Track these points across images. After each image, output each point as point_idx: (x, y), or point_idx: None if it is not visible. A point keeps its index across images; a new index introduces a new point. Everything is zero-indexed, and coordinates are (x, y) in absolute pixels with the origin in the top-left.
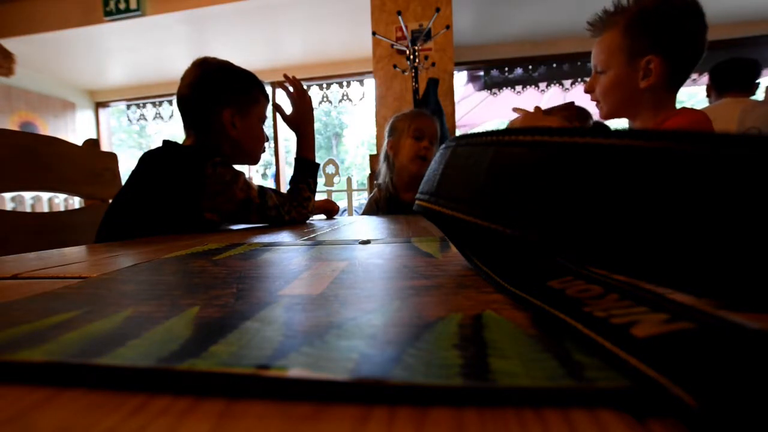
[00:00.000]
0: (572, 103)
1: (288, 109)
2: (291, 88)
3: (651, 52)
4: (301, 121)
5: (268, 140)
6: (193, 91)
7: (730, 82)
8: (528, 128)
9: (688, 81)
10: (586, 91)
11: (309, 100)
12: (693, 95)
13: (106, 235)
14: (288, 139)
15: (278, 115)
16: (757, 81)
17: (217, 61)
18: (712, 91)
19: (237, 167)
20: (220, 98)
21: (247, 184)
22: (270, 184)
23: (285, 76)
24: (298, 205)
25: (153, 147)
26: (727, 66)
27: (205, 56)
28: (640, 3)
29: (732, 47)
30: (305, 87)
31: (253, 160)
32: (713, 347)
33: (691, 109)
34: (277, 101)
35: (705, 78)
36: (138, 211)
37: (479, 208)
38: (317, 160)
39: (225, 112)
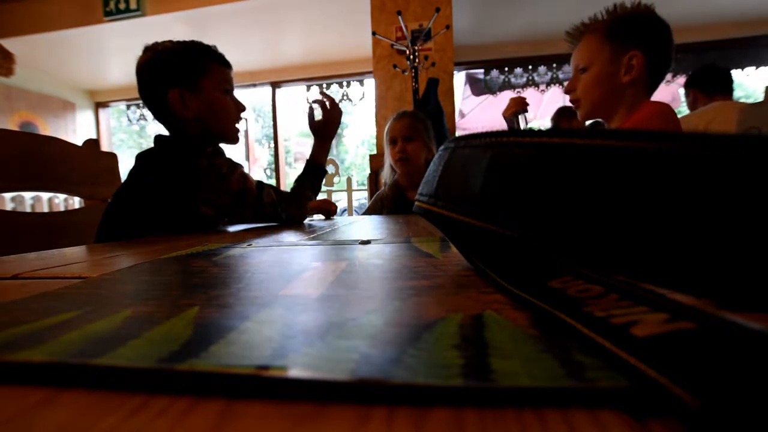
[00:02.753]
0: (565, 107)
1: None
2: (327, 104)
3: (634, 48)
4: (327, 130)
5: (244, 109)
6: (139, 80)
7: (716, 86)
8: (526, 130)
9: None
10: (566, 92)
11: (340, 117)
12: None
13: (106, 236)
14: (288, 139)
15: (279, 113)
16: (733, 87)
17: (162, 44)
18: (699, 95)
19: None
20: (162, 78)
21: (244, 176)
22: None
23: (322, 93)
24: (297, 206)
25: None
26: (710, 71)
27: (155, 41)
28: (615, 13)
29: (725, 48)
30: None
31: (228, 138)
32: (713, 347)
33: (655, 102)
34: (277, 102)
35: (680, 79)
36: (136, 210)
37: (478, 210)
38: None
39: (170, 94)
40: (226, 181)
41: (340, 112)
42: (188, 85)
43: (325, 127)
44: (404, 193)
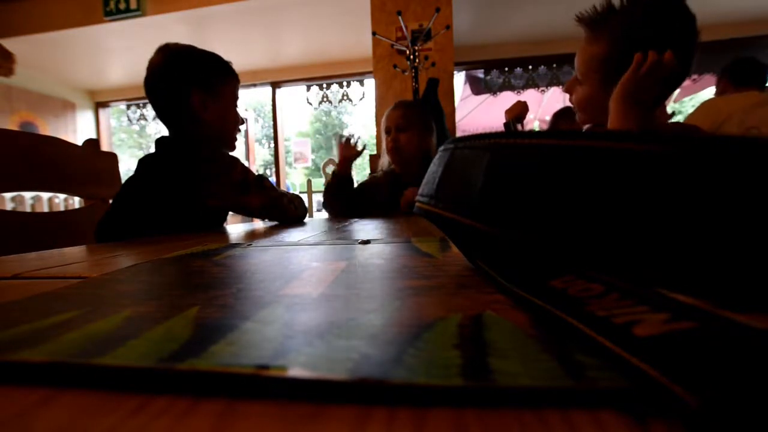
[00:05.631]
0: (565, 108)
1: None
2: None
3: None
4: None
5: (243, 122)
6: (159, 77)
7: (748, 79)
8: (524, 131)
9: (688, 81)
10: (565, 91)
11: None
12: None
13: (110, 235)
14: (288, 139)
15: (279, 113)
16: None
17: (180, 45)
18: (729, 87)
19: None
20: (187, 81)
21: (245, 168)
22: None
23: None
24: (296, 201)
25: (153, 148)
26: (743, 63)
27: (167, 42)
28: (629, 14)
29: (733, 47)
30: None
31: (230, 144)
32: (714, 347)
33: (682, 124)
34: (277, 102)
35: (705, 79)
36: (143, 208)
37: (477, 211)
38: (317, 160)
39: (194, 95)
40: (230, 173)
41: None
42: (209, 89)
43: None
44: (399, 180)
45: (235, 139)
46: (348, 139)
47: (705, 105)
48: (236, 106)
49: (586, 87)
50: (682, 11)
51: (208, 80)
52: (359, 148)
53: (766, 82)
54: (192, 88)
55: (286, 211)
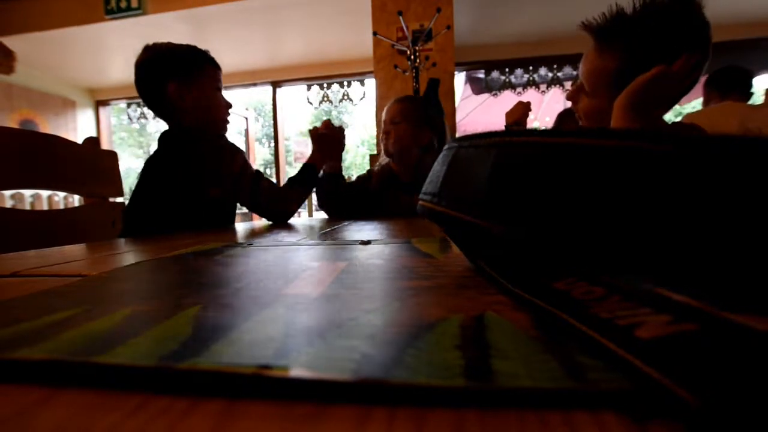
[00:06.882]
0: (567, 110)
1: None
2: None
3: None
4: (324, 142)
5: (230, 106)
6: (139, 75)
7: (732, 87)
8: (530, 129)
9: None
10: (568, 99)
11: (338, 139)
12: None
13: (129, 232)
14: (288, 138)
15: (279, 113)
16: (752, 90)
17: (160, 43)
18: (714, 95)
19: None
20: (162, 73)
21: (245, 160)
22: None
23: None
24: (287, 199)
25: (153, 146)
26: (728, 72)
27: (154, 42)
28: (643, 25)
29: (730, 49)
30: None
31: (219, 127)
32: (715, 348)
33: (683, 124)
34: (278, 101)
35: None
36: (153, 203)
37: (481, 209)
38: None
39: (170, 86)
40: (229, 161)
41: (340, 135)
42: (185, 80)
43: (324, 139)
44: (396, 178)
45: (225, 122)
46: (329, 125)
47: (685, 119)
48: (219, 90)
49: (595, 100)
50: (698, 20)
51: (183, 71)
52: (337, 128)
53: (750, 88)
54: (167, 81)
55: (270, 212)
